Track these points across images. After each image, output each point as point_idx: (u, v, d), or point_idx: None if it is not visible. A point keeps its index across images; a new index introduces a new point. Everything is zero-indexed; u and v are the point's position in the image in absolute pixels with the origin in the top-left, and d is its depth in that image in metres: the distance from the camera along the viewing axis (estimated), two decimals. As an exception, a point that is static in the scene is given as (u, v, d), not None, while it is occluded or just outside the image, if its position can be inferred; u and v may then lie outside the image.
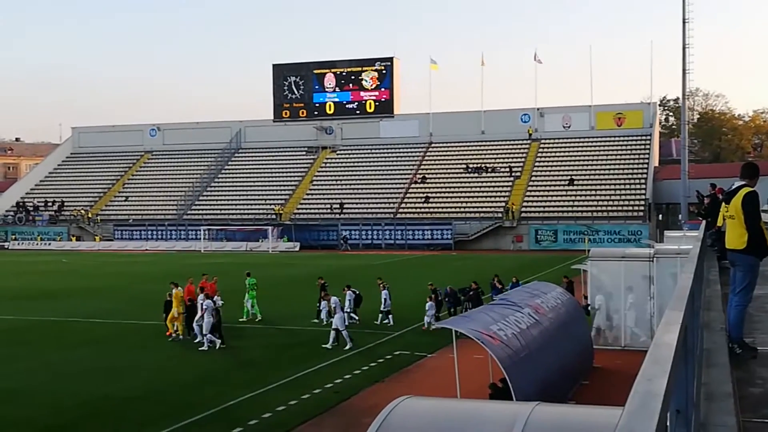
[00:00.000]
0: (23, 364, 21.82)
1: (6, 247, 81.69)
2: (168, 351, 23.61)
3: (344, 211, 76.84)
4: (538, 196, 74.43)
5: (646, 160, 75.18)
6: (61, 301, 34.95)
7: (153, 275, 45.06)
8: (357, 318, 27.86)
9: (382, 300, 27.91)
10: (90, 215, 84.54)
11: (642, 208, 68.88)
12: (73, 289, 39.78)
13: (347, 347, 23.09)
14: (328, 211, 76.96)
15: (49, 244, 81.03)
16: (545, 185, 75.78)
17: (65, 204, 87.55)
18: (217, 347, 23.41)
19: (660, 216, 75.03)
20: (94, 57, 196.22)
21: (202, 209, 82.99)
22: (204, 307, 23.78)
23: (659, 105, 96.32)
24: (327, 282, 29.52)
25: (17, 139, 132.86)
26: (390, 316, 27.78)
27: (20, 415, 16.92)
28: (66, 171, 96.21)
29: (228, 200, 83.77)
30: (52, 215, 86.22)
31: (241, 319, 28.54)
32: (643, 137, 78.68)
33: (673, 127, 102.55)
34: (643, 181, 72.30)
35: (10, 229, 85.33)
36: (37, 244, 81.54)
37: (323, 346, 23.24)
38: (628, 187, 72.41)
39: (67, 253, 73.42)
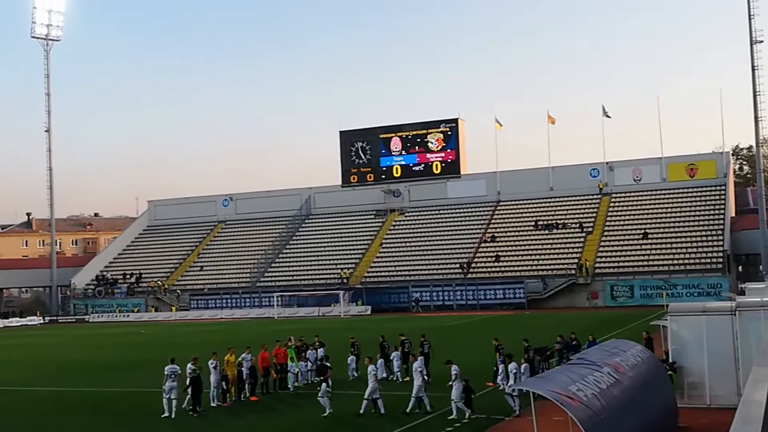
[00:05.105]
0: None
1: (87, 320, 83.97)
2: (239, 420, 23.73)
3: (413, 273, 76.82)
4: (611, 251, 73.17)
5: (722, 211, 73.33)
6: (141, 372, 35.55)
7: (229, 344, 45.47)
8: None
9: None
10: (166, 286, 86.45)
11: (720, 260, 66.90)
12: (152, 360, 40.38)
13: (165, 414, 23.85)
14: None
15: (128, 315, 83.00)
16: (618, 240, 74.53)
17: (143, 276, 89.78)
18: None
19: (740, 267, 72.86)
20: (166, 133, 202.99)
21: (275, 276, 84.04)
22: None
23: (732, 154, 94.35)
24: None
25: (96, 215, 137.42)
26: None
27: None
28: (143, 243, 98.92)
29: (300, 266, 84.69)
30: (130, 287, 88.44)
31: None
32: (718, 187, 77.01)
33: (748, 176, 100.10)
34: (720, 232, 70.41)
35: (90, 302, 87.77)
36: (116, 315, 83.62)
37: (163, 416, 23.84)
38: (704, 239, 70.59)
39: (144, 324, 75.01)
